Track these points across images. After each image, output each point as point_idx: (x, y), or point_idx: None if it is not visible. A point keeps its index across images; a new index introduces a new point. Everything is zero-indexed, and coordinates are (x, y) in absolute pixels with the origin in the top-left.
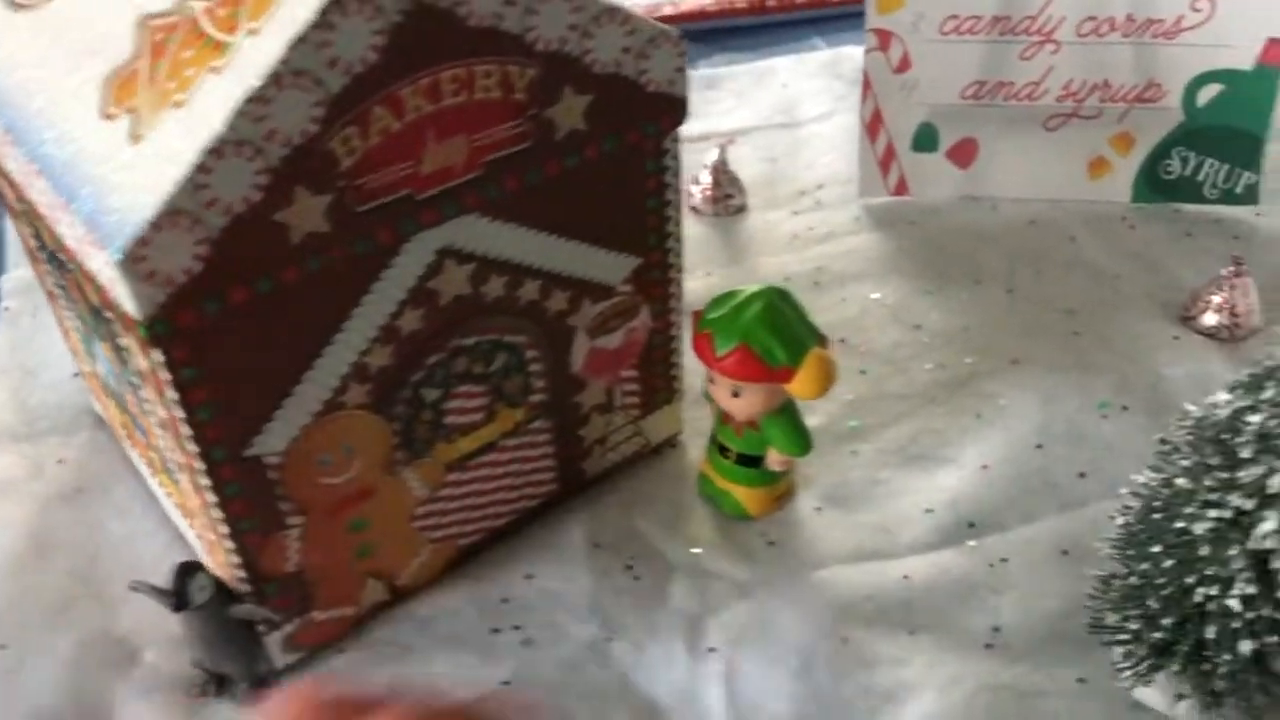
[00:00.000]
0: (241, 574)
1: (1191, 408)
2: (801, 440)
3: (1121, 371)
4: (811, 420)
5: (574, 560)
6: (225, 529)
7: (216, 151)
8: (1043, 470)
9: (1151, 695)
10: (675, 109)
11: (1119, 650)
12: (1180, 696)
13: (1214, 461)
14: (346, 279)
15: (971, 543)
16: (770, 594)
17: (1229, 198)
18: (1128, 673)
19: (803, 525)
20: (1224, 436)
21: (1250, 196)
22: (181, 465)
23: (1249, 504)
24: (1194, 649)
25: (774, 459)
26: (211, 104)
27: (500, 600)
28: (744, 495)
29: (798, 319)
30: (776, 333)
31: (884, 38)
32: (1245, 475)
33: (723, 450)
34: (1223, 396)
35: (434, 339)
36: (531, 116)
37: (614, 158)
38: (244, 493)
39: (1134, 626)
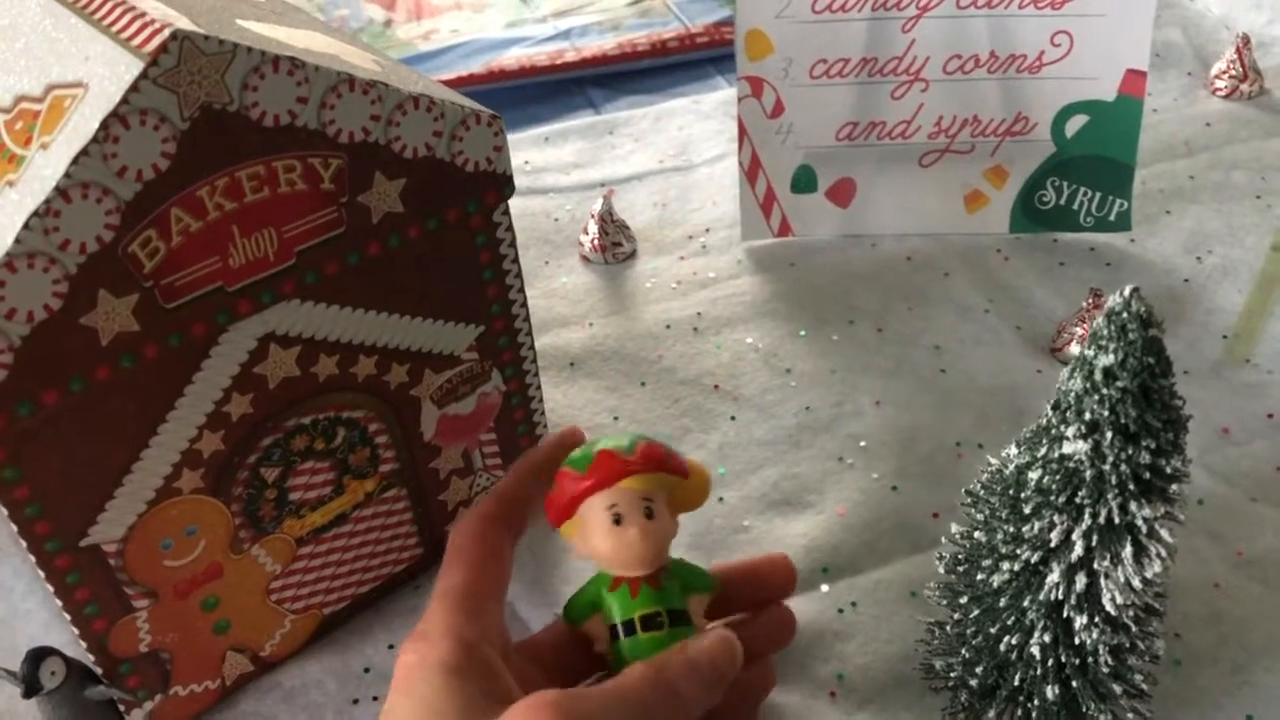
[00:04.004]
0: (93, 656)
1: (992, 461)
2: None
3: (980, 408)
4: None
5: None
6: (68, 616)
7: (8, 265)
8: (897, 512)
9: None
10: (498, 185)
11: (946, 695)
12: None
13: (1004, 515)
14: (165, 372)
15: (824, 588)
16: None
17: (1103, 225)
18: (958, 716)
19: None
20: (1011, 491)
21: (1123, 223)
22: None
23: (1035, 557)
24: (1011, 693)
25: (696, 606)
26: (3, 219)
27: (362, 670)
28: None
29: None
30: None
31: (756, 84)
32: (1029, 530)
33: (647, 624)
34: (1012, 451)
35: (267, 421)
36: (343, 204)
37: (439, 235)
38: (84, 580)
39: (954, 673)
